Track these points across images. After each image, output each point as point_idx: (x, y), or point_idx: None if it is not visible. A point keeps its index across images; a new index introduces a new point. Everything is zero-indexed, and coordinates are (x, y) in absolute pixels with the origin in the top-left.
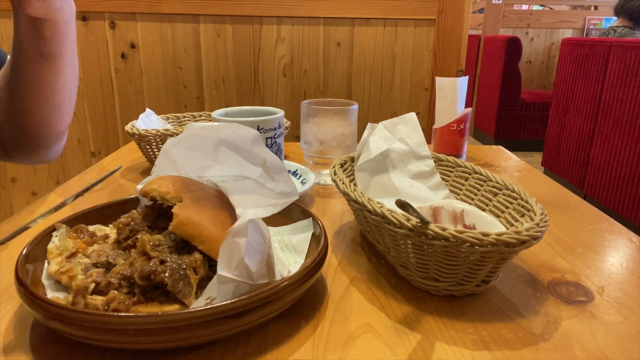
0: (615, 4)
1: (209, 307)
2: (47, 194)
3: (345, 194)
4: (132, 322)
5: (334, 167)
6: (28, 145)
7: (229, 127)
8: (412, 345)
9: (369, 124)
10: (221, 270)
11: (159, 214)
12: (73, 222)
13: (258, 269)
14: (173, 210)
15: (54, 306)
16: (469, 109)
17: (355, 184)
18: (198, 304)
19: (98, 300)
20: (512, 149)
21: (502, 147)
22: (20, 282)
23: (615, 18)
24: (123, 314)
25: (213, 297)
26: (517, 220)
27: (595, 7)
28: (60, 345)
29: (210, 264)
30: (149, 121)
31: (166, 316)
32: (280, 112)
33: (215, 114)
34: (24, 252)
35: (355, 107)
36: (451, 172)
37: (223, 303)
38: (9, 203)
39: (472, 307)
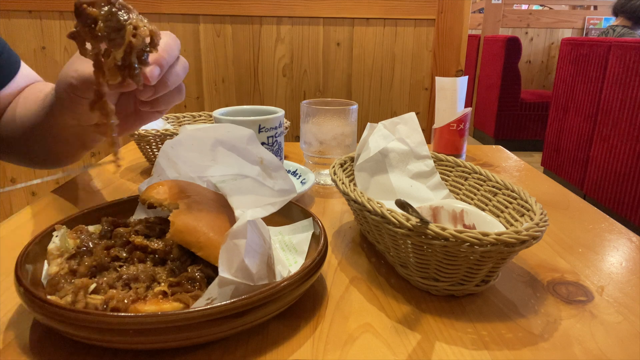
0: (614, 3)
1: (208, 307)
2: (46, 194)
3: (345, 194)
4: (132, 322)
5: (333, 167)
6: (60, 164)
7: (223, 128)
8: (412, 345)
9: (368, 124)
10: (222, 273)
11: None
12: (73, 222)
13: (258, 270)
14: (169, 217)
15: (54, 306)
16: (469, 109)
17: (355, 184)
18: (198, 305)
19: (97, 299)
20: (511, 148)
21: (501, 147)
22: (20, 282)
23: (614, 17)
24: (123, 314)
25: (213, 297)
26: (516, 220)
27: (595, 7)
28: (60, 345)
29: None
30: None
31: (166, 316)
32: (281, 112)
33: (216, 113)
34: (24, 252)
35: (355, 107)
36: (451, 172)
37: (223, 303)
38: (9, 203)
39: (472, 307)
